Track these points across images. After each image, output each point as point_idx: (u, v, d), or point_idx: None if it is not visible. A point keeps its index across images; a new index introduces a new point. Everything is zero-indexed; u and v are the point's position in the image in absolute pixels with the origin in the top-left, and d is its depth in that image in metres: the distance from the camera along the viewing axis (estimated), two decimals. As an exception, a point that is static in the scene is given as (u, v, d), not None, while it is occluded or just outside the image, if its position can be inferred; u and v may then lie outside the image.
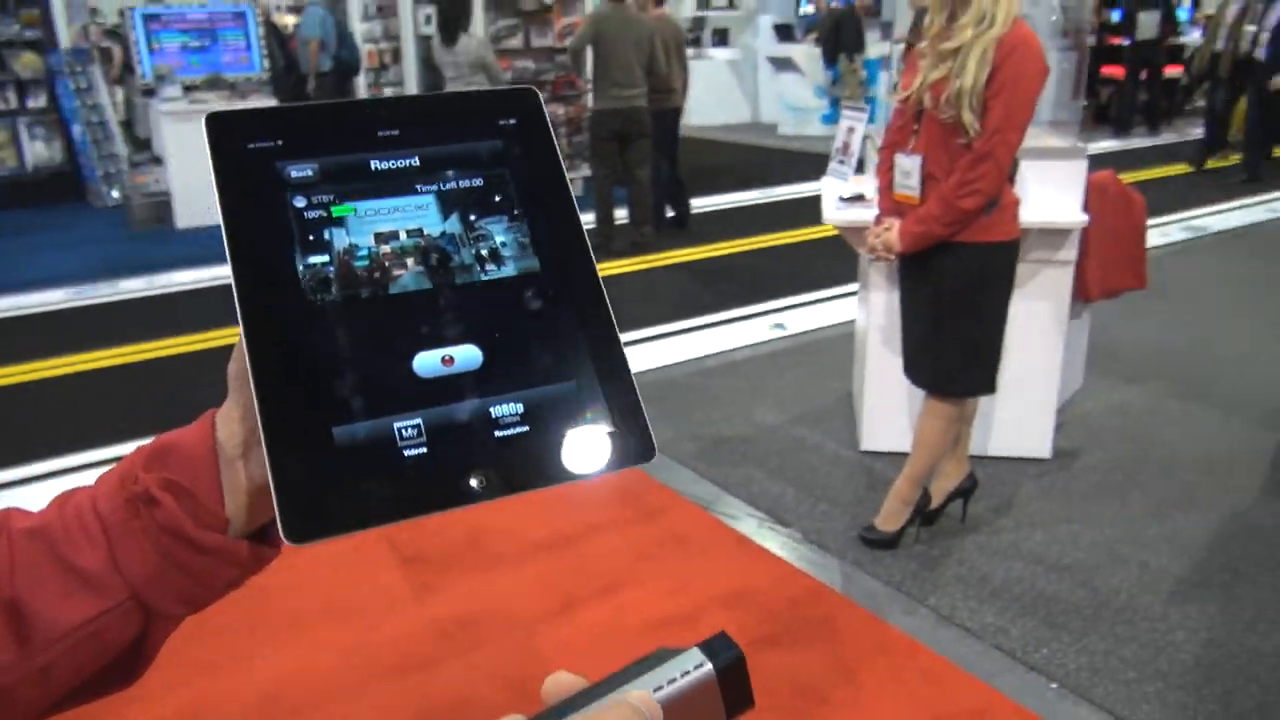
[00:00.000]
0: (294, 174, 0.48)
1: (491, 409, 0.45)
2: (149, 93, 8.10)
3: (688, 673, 0.39)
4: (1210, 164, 8.84)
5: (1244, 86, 8.56)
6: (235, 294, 0.45)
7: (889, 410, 3.48)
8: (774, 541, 3.02)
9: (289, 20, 10.34)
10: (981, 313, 2.68)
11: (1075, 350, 3.75)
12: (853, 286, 4.43)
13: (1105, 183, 3.46)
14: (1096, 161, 3.32)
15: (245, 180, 0.48)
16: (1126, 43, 10.68)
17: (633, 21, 6.37)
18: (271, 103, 7.97)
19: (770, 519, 3.15)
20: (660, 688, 0.39)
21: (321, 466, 0.43)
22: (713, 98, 13.95)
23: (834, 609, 2.67)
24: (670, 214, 7.09)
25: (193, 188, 7.34)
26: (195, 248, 6.83)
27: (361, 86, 9.92)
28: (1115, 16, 10.80)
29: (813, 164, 8.63)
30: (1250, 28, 8.55)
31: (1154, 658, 2.45)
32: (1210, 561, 2.85)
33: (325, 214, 0.48)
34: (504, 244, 0.49)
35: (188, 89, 8.03)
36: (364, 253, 0.47)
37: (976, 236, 2.56)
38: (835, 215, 3.36)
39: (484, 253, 0.49)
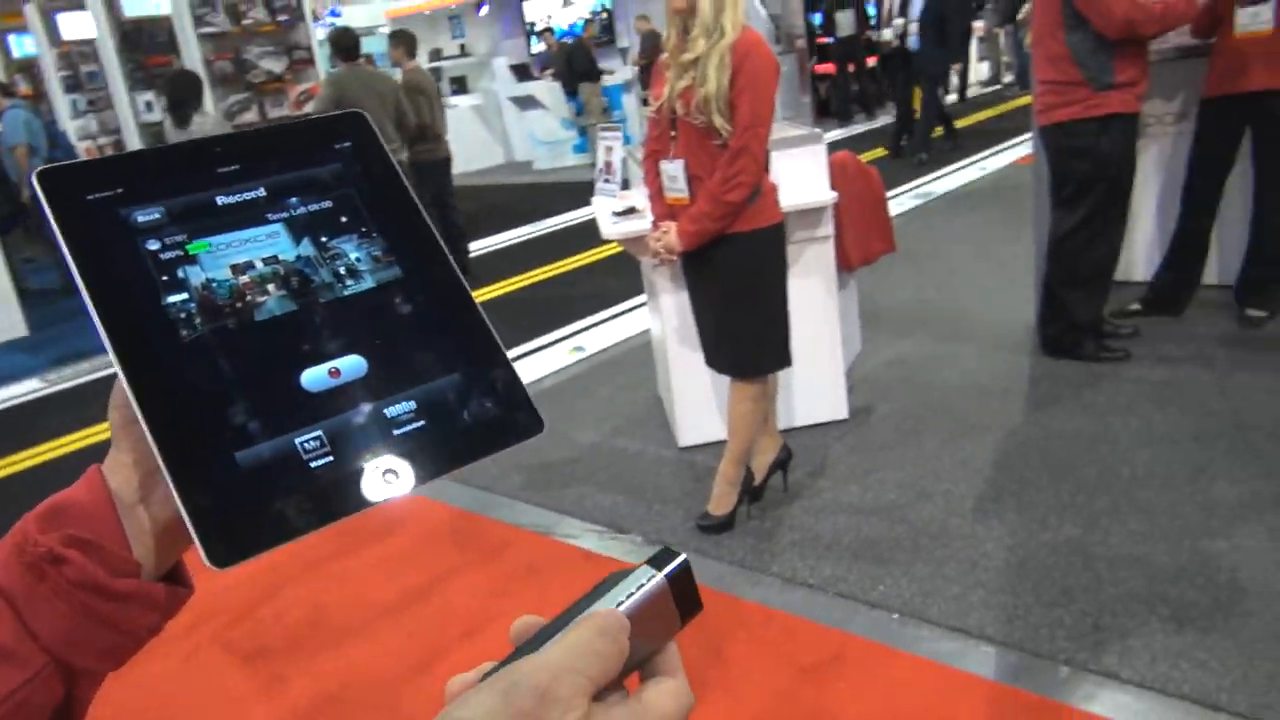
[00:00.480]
0: (140, 219, 0.49)
1: (386, 410, 0.47)
2: None
3: (642, 585, 0.43)
4: (904, 144, 9.68)
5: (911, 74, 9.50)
6: (107, 344, 0.45)
7: (697, 405, 3.65)
8: (619, 549, 3.10)
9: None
10: (764, 294, 2.87)
11: (849, 317, 4.07)
12: (641, 298, 4.60)
13: (844, 161, 3.79)
14: (829, 148, 3.64)
15: (91, 231, 0.48)
16: (830, 41, 11.72)
17: (374, 78, 6.33)
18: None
19: (610, 530, 3.23)
20: (620, 603, 0.42)
21: (232, 491, 0.44)
22: (463, 144, 13.96)
23: (689, 597, 2.77)
24: None
25: None
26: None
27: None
28: (816, 19, 11.82)
29: (573, 192, 8.86)
30: (899, 20, 9.61)
31: (971, 570, 2.71)
32: (1000, 478, 3.18)
33: (180, 253, 0.49)
34: (359, 259, 0.52)
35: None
36: (223, 286, 0.48)
37: (746, 225, 2.75)
38: (613, 230, 3.50)
39: (341, 270, 0.51)
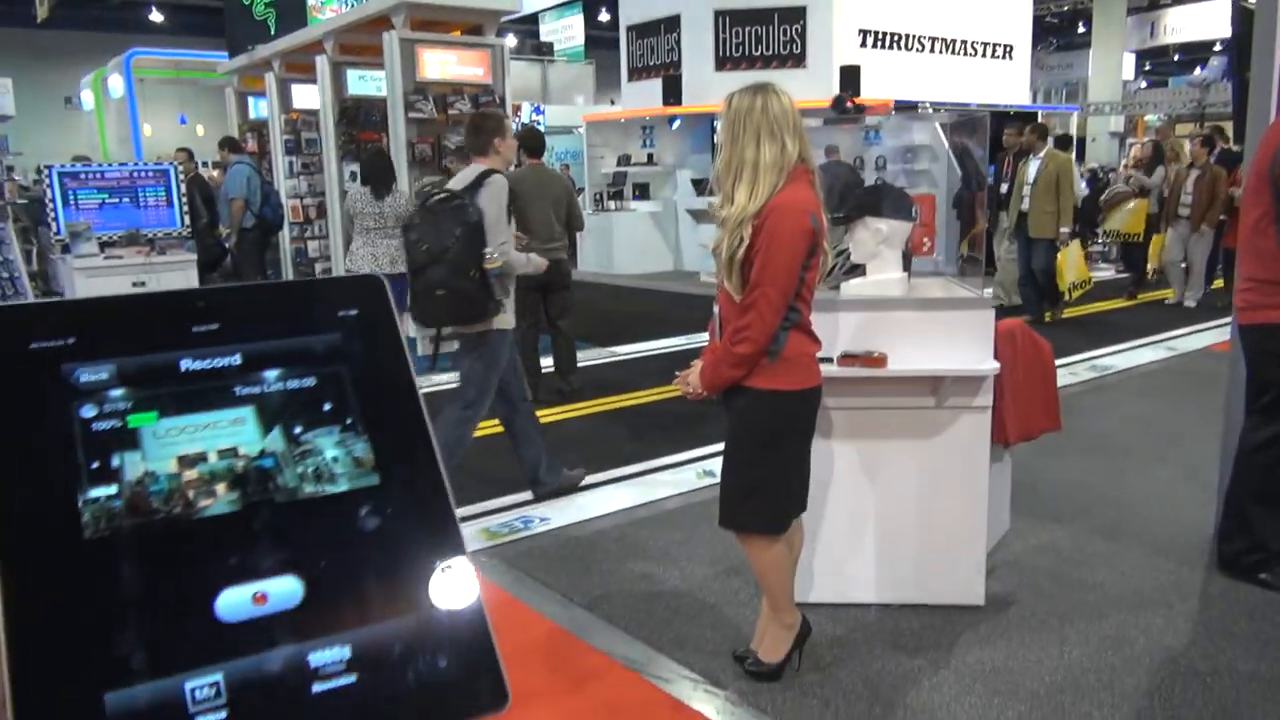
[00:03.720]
0: (84, 378, 0.42)
1: (310, 656, 0.39)
2: (65, 249, 7.97)
3: None
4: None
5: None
6: None
7: (826, 560, 3.43)
8: (709, 705, 2.88)
9: (216, 174, 10.42)
10: (766, 457, 2.77)
11: (1000, 494, 3.78)
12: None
13: (1013, 329, 3.57)
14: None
15: (22, 388, 0.40)
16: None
17: (550, 177, 6.54)
18: (191, 258, 7.91)
19: (705, 680, 3.02)
20: None
21: None
22: (635, 247, 14.36)
23: (775, 780, 2.53)
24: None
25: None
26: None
27: (285, 239, 9.95)
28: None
29: (734, 311, 8.83)
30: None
31: (1106, 818, 2.36)
32: (1154, 711, 2.80)
33: (120, 424, 0.41)
34: (335, 459, 0.43)
35: (104, 245, 7.93)
36: (161, 483, 0.40)
37: (762, 383, 2.70)
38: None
39: (310, 471, 0.43)
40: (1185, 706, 2.81)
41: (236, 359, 0.45)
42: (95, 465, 0.40)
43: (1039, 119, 16.67)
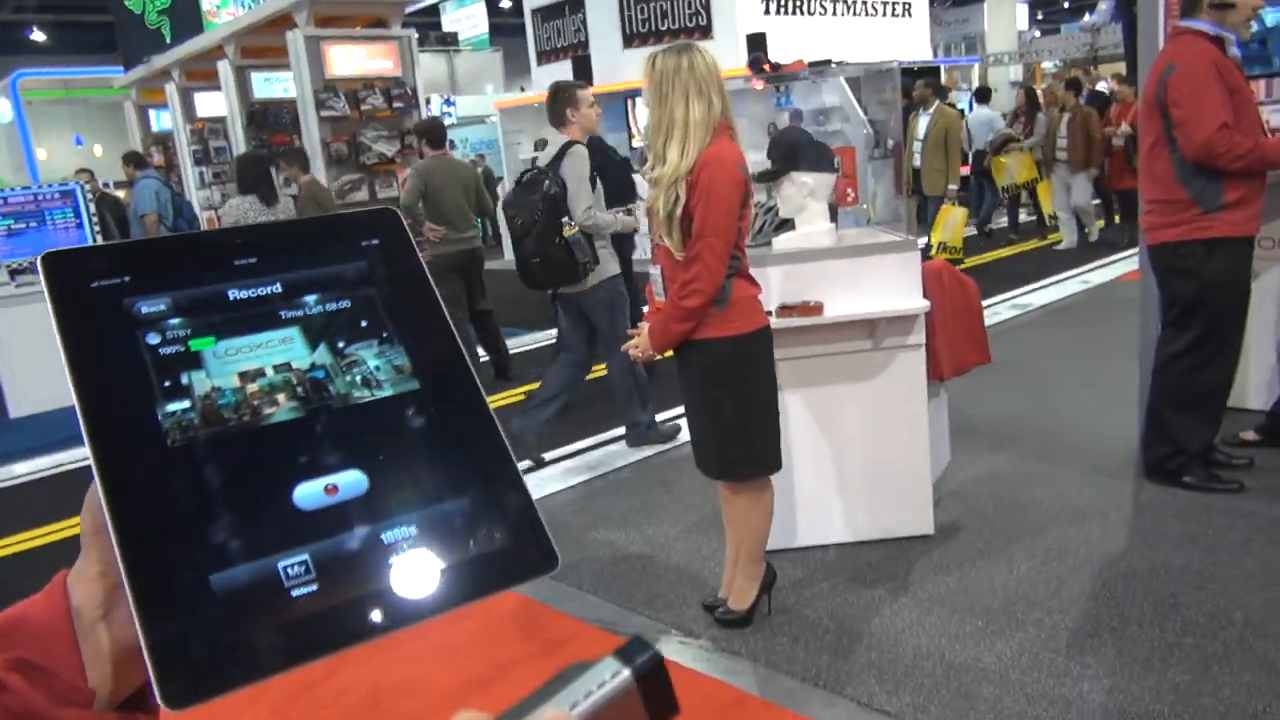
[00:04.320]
0: (144, 310, 0.46)
1: (383, 534, 0.43)
2: (-28, 280, 7.68)
3: (604, 683, 0.37)
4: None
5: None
6: (87, 442, 0.41)
7: (781, 507, 3.53)
8: (686, 655, 2.98)
9: (124, 193, 10.12)
10: (741, 400, 2.84)
11: (939, 428, 3.94)
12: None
13: (939, 269, 3.72)
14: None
15: (90, 321, 0.45)
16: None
17: (455, 165, 6.57)
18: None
19: (679, 632, 3.12)
20: (576, 704, 0.37)
21: (200, 620, 0.39)
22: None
23: (757, 714, 2.64)
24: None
25: (26, 374, 6.93)
26: (31, 437, 6.39)
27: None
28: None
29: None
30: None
31: (1065, 711, 2.51)
32: (1099, 611, 2.98)
33: (183, 349, 0.45)
34: (378, 368, 0.48)
35: (14, 273, 7.66)
36: (228, 396, 0.45)
37: (715, 332, 2.77)
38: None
39: (357, 379, 0.48)
40: (1128, 604, 2.99)
41: (278, 287, 0.49)
42: (167, 384, 0.44)
43: (941, 74, 17.06)
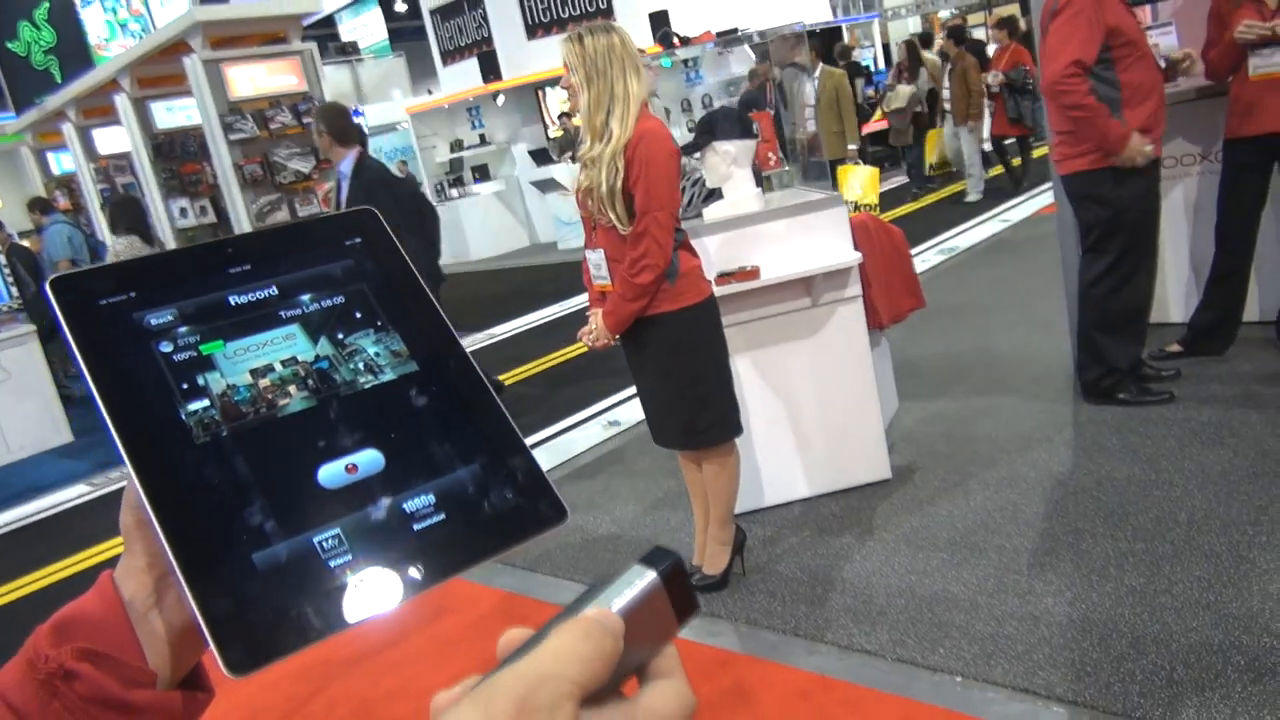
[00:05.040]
0: (153, 321, 0.49)
1: (404, 505, 0.47)
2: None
3: (634, 584, 0.40)
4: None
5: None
6: (121, 449, 0.44)
7: (742, 470, 3.61)
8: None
9: (31, 242, 9.79)
10: (700, 368, 2.90)
11: (884, 375, 4.05)
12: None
13: (865, 221, 3.82)
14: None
15: (103, 337, 0.48)
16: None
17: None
18: (30, 329, 7.48)
19: (658, 605, 3.17)
20: (614, 603, 0.39)
21: (250, 595, 0.42)
22: (487, 230, 14.27)
23: (744, 670, 2.71)
24: None
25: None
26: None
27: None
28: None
29: (600, 269, 8.94)
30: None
31: (1034, 627, 2.63)
32: (1054, 529, 3.11)
33: (195, 354, 0.49)
34: (377, 354, 0.52)
35: (-72, 336, 7.39)
36: (243, 392, 0.48)
37: (670, 305, 2.81)
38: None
39: (360, 366, 0.51)
40: (1080, 518, 3.13)
41: (274, 290, 0.52)
42: (185, 386, 0.47)
43: (844, 33, 17.28)
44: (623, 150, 2.70)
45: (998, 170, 10.24)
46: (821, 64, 8.98)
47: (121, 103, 8.65)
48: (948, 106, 9.84)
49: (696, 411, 2.92)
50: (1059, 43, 3.48)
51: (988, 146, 10.38)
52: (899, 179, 11.57)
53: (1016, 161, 9.92)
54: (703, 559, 3.19)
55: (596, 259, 2.92)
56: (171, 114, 8.68)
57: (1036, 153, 9.88)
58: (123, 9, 9.09)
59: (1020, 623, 2.66)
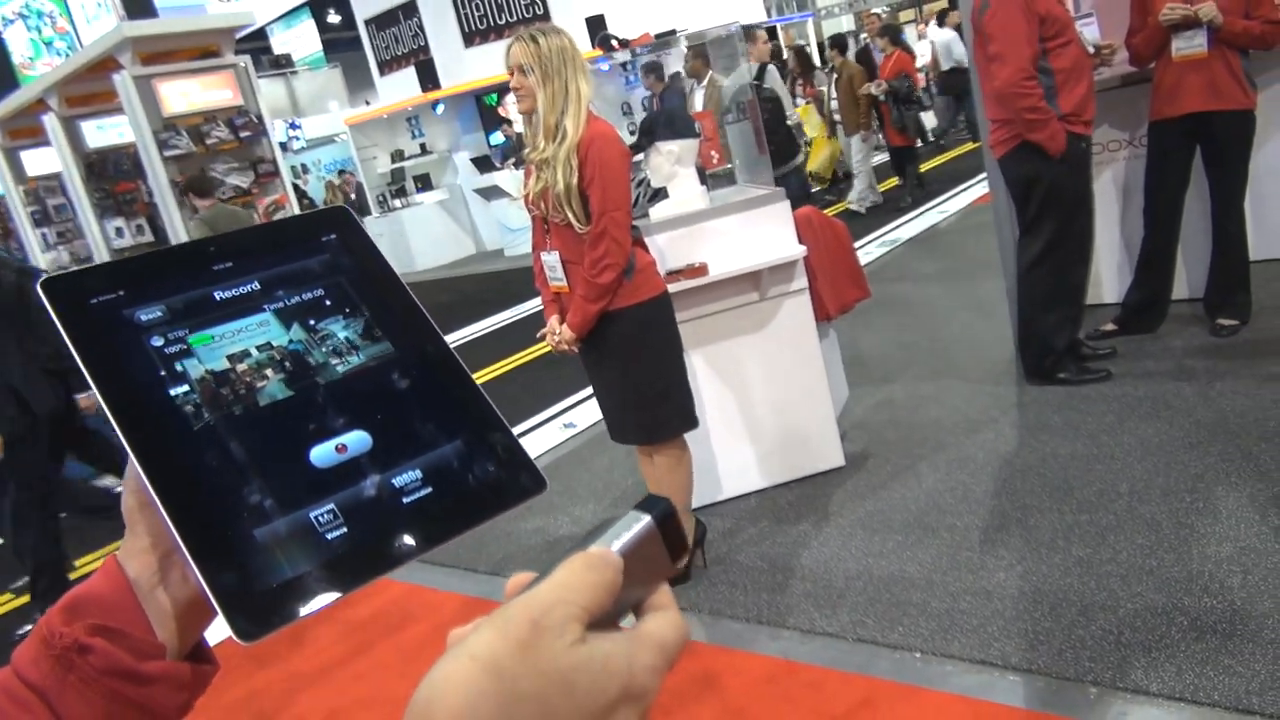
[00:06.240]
0: (143, 317, 0.52)
1: (393, 480, 0.50)
2: None
3: (631, 527, 0.43)
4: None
5: None
6: (122, 436, 0.47)
7: (698, 465, 3.65)
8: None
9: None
10: (659, 362, 2.95)
11: (833, 366, 4.12)
12: (625, 368, 4.62)
13: (809, 215, 3.89)
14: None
15: (97, 333, 0.50)
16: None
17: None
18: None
19: (622, 601, 3.20)
20: (613, 544, 0.42)
21: (254, 567, 0.45)
22: (431, 239, 14.18)
23: (709, 660, 2.75)
24: None
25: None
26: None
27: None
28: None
29: (548, 274, 8.94)
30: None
31: (987, 601, 2.71)
32: (1003, 507, 3.20)
33: (184, 347, 0.51)
34: (348, 338, 0.55)
35: None
36: (223, 377, 0.51)
37: (627, 300, 2.86)
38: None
39: (331, 350, 0.54)
40: (1028, 494, 3.23)
41: (255, 285, 0.54)
42: (178, 376, 0.50)
43: (779, 33, 17.48)
44: (575, 149, 2.73)
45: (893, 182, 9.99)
46: (710, 73, 8.89)
47: (50, 122, 8.45)
48: (837, 118, 9.61)
49: (657, 405, 2.96)
50: (1007, 45, 3.57)
51: (884, 157, 10.14)
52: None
53: (894, 182, 9.63)
54: None
55: (551, 261, 2.94)
56: (103, 132, 8.50)
57: (931, 162, 9.70)
58: (47, 27, 8.89)
59: (974, 597, 2.74)
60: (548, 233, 2.91)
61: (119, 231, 8.63)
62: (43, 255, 9.27)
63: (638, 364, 2.93)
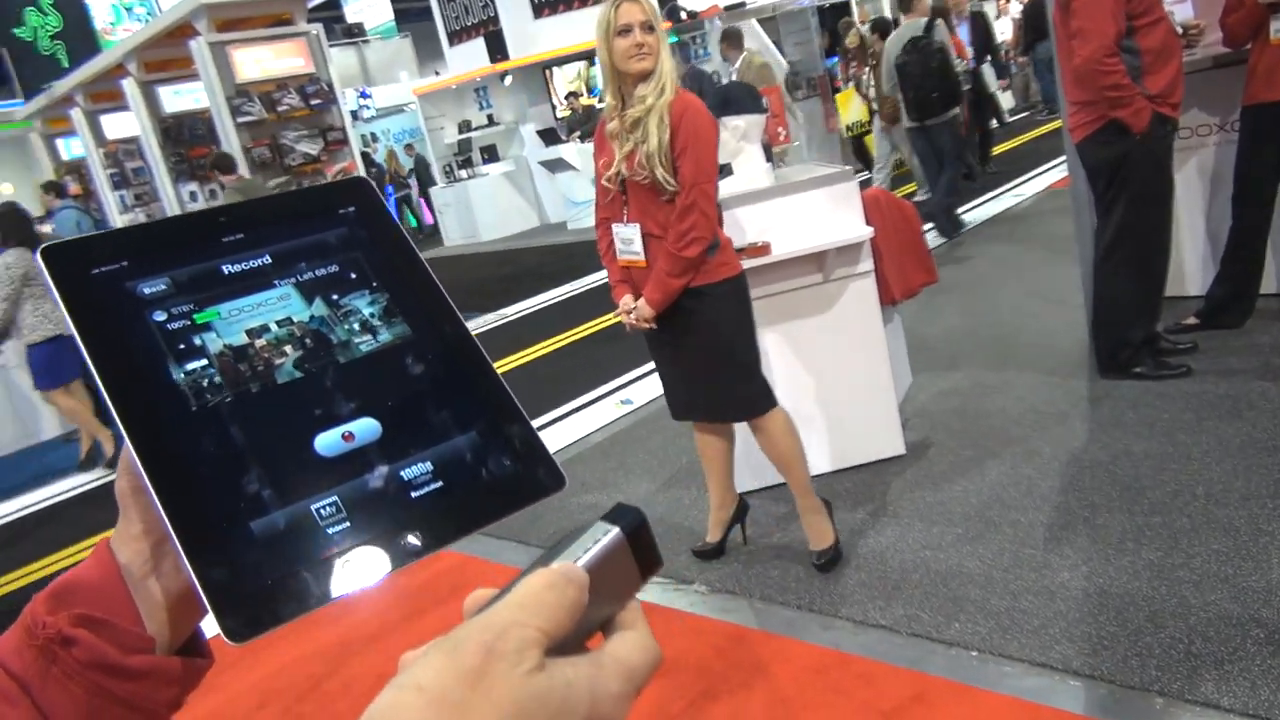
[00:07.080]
0: (147, 290, 0.48)
1: (402, 473, 0.46)
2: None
3: (598, 540, 0.40)
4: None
5: None
6: (116, 416, 0.44)
7: (752, 448, 3.60)
8: (683, 600, 3.04)
9: (46, 229, 9.83)
10: (747, 338, 2.90)
11: (897, 351, 4.02)
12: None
13: (877, 196, 3.79)
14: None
15: (96, 305, 0.47)
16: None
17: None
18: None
19: (673, 581, 3.17)
20: (578, 558, 0.40)
21: (248, 562, 0.42)
22: (497, 211, 14.25)
23: (758, 646, 2.71)
24: None
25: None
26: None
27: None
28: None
29: (610, 248, 8.92)
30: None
31: (1049, 601, 2.62)
32: (1069, 504, 3.09)
33: (189, 323, 0.48)
34: (373, 315, 0.51)
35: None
36: (240, 353, 0.48)
37: (711, 278, 2.78)
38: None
39: (356, 326, 0.50)
40: (1095, 493, 3.11)
41: (267, 259, 0.52)
42: (181, 351, 0.47)
43: (851, 7, 17.07)
44: (669, 108, 2.67)
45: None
46: (744, 52, 8.48)
47: (129, 87, 8.65)
48: (874, 106, 8.86)
49: (745, 383, 2.90)
50: (1091, 20, 3.42)
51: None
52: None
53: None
54: (718, 535, 3.18)
55: (628, 234, 2.83)
56: (179, 97, 8.68)
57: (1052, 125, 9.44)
58: (128, -8, 9.07)
59: (1036, 597, 2.65)
60: (625, 204, 2.83)
61: (193, 195, 8.83)
62: (120, 217, 9.53)
63: (730, 340, 2.86)
